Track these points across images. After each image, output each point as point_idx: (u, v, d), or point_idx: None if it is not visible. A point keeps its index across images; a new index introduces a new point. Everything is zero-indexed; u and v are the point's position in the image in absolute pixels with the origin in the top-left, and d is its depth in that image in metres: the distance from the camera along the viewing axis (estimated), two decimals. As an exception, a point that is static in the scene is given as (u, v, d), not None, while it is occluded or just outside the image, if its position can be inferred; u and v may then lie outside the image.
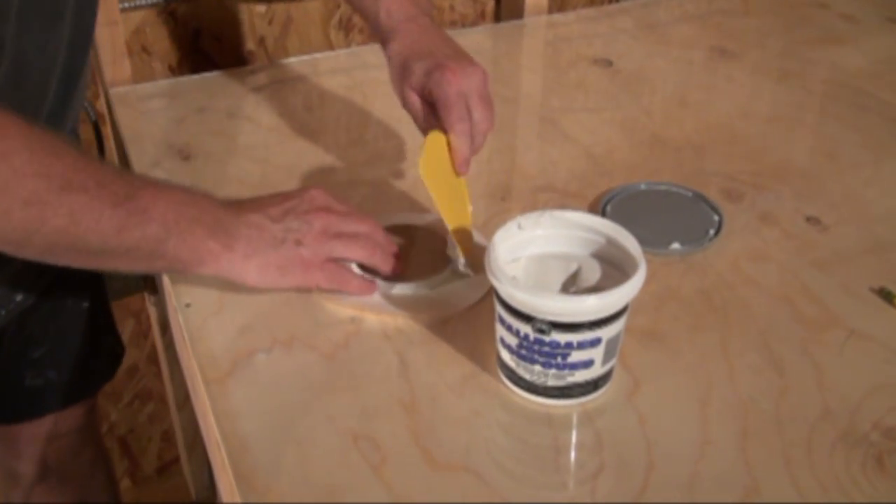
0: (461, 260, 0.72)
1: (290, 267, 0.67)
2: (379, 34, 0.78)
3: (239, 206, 0.68)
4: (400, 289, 0.71)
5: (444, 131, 0.71)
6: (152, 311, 1.18)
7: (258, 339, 0.67)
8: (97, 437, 1.07)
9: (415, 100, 0.73)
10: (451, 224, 0.71)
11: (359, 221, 0.71)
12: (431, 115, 0.73)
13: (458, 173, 0.72)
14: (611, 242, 0.64)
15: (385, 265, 0.71)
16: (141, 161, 0.90)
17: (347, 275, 0.70)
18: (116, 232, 0.60)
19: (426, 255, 0.75)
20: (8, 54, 0.66)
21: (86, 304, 0.94)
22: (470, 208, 0.74)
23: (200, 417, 0.68)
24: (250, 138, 0.94)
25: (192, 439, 1.25)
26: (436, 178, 0.71)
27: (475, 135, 0.71)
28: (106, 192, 0.60)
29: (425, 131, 0.73)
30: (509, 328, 0.60)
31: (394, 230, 0.77)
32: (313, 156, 0.91)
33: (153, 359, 1.29)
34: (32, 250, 0.60)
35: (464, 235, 0.73)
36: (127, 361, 1.28)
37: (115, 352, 1.03)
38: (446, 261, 0.74)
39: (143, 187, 0.62)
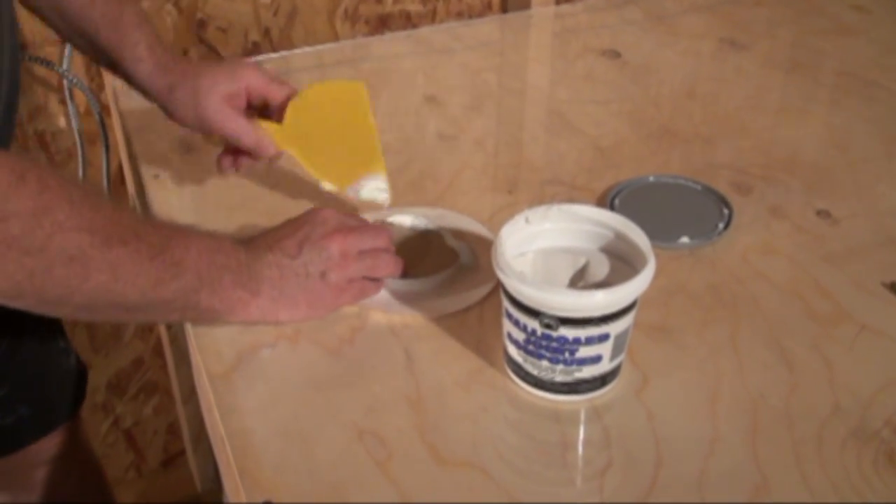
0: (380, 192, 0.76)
1: (320, 300, 0.66)
2: (139, 81, 0.79)
3: (256, 247, 0.66)
4: (406, 285, 0.71)
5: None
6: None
7: (263, 333, 0.67)
8: (85, 458, 1.03)
9: (236, 115, 0.76)
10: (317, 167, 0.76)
11: (373, 235, 0.70)
12: (248, 122, 0.76)
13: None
14: (619, 237, 0.63)
15: (398, 273, 0.71)
16: (146, 153, 0.90)
17: (369, 286, 0.69)
18: (154, 286, 0.58)
19: (431, 253, 0.75)
20: None
21: (42, 331, 0.89)
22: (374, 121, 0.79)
23: (205, 412, 0.67)
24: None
25: (197, 432, 1.25)
26: (306, 136, 0.76)
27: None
28: (144, 244, 0.58)
29: (258, 144, 0.77)
30: (516, 323, 0.59)
31: (397, 227, 0.77)
32: None
33: (158, 352, 1.29)
34: (69, 308, 0.57)
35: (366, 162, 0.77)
36: (133, 354, 1.28)
37: (80, 371, 0.97)
38: (452, 257, 0.74)
39: (174, 237, 0.61)
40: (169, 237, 0.60)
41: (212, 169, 0.87)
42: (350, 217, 0.71)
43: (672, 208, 0.81)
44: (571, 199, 0.80)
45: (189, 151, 0.90)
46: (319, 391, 0.62)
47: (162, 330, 1.17)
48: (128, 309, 0.59)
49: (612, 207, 0.80)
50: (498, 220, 0.68)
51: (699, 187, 0.83)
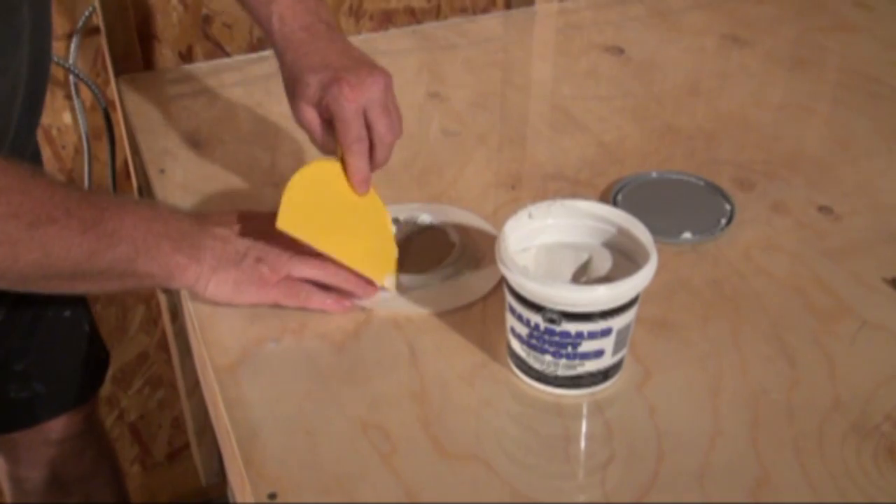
0: (389, 280, 0.71)
1: (245, 284, 0.67)
2: (272, 44, 0.73)
3: (205, 219, 0.68)
4: (409, 280, 0.71)
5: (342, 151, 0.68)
6: (162, 299, 1.18)
7: (268, 327, 0.67)
8: (99, 437, 1.05)
9: (311, 116, 0.69)
10: (352, 259, 0.68)
11: None
12: (329, 132, 0.69)
13: (357, 192, 0.69)
14: (622, 232, 0.63)
15: (351, 286, 0.68)
16: (151, 148, 0.90)
17: (306, 290, 0.67)
18: (88, 257, 0.60)
19: (435, 248, 0.75)
20: None
21: (67, 314, 0.92)
22: (389, 221, 0.72)
23: (210, 405, 0.68)
24: (260, 125, 0.94)
25: (202, 426, 1.26)
26: (315, 219, 0.67)
27: (380, 148, 0.68)
28: (75, 220, 0.60)
29: (324, 148, 0.71)
30: (520, 318, 0.60)
31: (401, 223, 0.77)
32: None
33: (163, 346, 1.29)
34: (6, 283, 0.60)
35: (381, 257, 0.71)
36: (137, 348, 1.29)
37: (101, 358, 1.01)
38: (454, 253, 0.74)
39: (109, 208, 0.62)
40: (104, 209, 0.62)
41: (217, 164, 0.87)
42: None
43: (675, 204, 0.81)
44: (574, 195, 0.80)
45: (195, 147, 0.90)
46: (324, 385, 0.62)
47: (167, 324, 1.18)
48: (63, 279, 0.61)
49: (615, 203, 0.80)
50: (501, 215, 0.68)
51: (702, 183, 0.83)
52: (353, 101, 0.66)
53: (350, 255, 0.68)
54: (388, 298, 0.70)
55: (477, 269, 0.72)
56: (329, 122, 0.69)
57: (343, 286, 0.68)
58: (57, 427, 0.96)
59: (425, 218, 0.78)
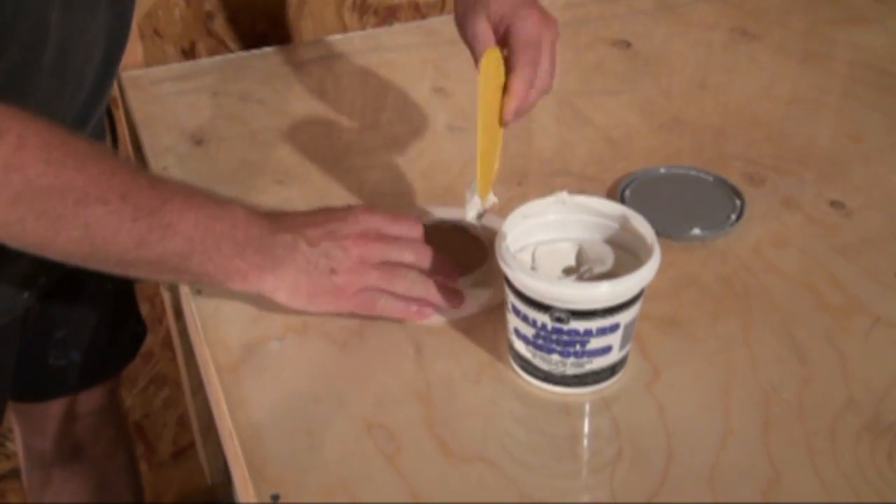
0: (475, 206, 0.68)
1: (320, 294, 0.65)
2: None
3: (276, 222, 0.66)
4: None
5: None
6: (166, 296, 1.17)
7: (271, 326, 0.66)
8: (119, 418, 1.09)
9: (486, 30, 0.69)
10: (481, 160, 0.67)
11: (407, 250, 0.67)
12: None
13: (502, 121, 0.68)
14: (624, 227, 0.63)
15: (434, 297, 0.67)
16: (153, 146, 0.90)
17: (383, 300, 0.66)
18: (136, 246, 0.59)
19: (455, 250, 0.74)
20: (53, 40, 0.66)
21: (109, 286, 0.95)
22: (496, 165, 0.70)
23: (213, 405, 0.67)
24: (263, 122, 0.94)
25: (206, 424, 1.25)
26: (484, 96, 0.67)
27: (536, 86, 0.68)
28: (129, 205, 0.59)
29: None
30: (525, 318, 0.59)
31: (449, 225, 0.76)
32: (326, 140, 0.91)
33: (168, 344, 1.29)
34: (52, 255, 0.60)
35: (486, 177, 0.68)
36: (142, 347, 1.28)
37: (137, 332, 1.04)
38: (476, 259, 0.72)
39: (172, 199, 0.61)
40: (166, 200, 0.61)
41: (221, 162, 0.87)
42: (394, 222, 0.68)
43: (684, 200, 0.80)
44: (581, 191, 0.79)
45: (198, 144, 0.90)
46: (328, 384, 0.62)
47: (171, 322, 1.17)
48: (110, 264, 0.61)
49: (622, 199, 0.80)
50: (507, 212, 0.67)
51: (711, 178, 0.83)
52: (541, 27, 0.68)
53: (483, 148, 0.67)
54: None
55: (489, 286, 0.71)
56: (501, 44, 0.69)
57: (426, 297, 0.67)
58: (85, 399, 0.99)
59: (451, 215, 0.76)
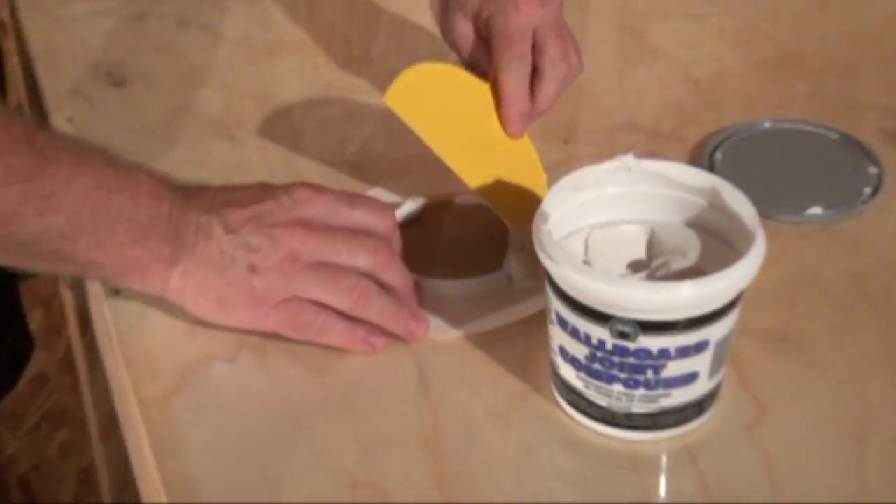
0: (517, 262, 0.71)
1: (232, 302, 0.65)
2: None
3: (191, 198, 0.66)
4: (445, 288, 0.70)
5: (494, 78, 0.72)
6: (68, 298, 1.18)
7: (217, 341, 0.66)
8: None
9: (465, 30, 0.74)
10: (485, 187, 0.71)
11: (361, 248, 0.67)
12: (484, 54, 0.73)
13: (507, 132, 0.72)
14: (714, 205, 0.62)
15: (387, 323, 0.67)
16: (56, 88, 0.90)
17: (321, 319, 0.66)
18: (3, 221, 0.60)
19: (465, 242, 0.74)
20: None
21: None
22: (544, 177, 0.73)
23: (133, 452, 0.67)
24: (209, 56, 0.94)
25: (121, 479, 1.27)
26: (438, 116, 0.71)
27: (549, 80, 0.72)
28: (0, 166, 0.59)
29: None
30: (574, 333, 0.58)
31: (451, 206, 0.77)
32: (297, 80, 0.91)
33: (68, 366, 1.30)
34: None
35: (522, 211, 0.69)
36: (32, 369, 1.29)
37: (21, 348, 1.04)
38: (499, 252, 0.73)
39: (58, 160, 0.61)
40: (49, 161, 0.61)
41: (148, 110, 0.87)
42: (351, 206, 0.68)
43: (797, 167, 0.81)
44: (654, 153, 0.79)
45: (117, 86, 0.90)
46: (297, 424, 0.62)
47: (74, 335, 1.18)
48: None
49: (711, 165, 0.80)
50: (550, 179, 0.69)
51: (836, 136, 0.83)
52: (524, 15, 0.71)
53: (481, 180, 0.71)
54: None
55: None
56: (486, 45, 0.73)
57: (380, 322, 0.66)
58: None
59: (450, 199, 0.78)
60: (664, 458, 0.60)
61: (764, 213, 0.61)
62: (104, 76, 0.91)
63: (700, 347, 0.57)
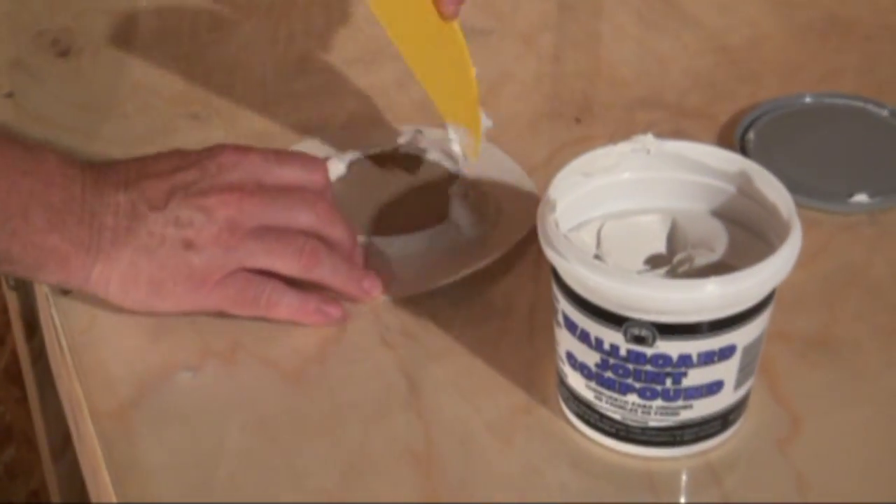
0: (457, 144, 0.73)
1: (169, 284, 0.66)
2: None
3: (103, 176, 0.67)
4: (387, 245, 0.72)
5: None
6: (12, 299, 1.18)
7: (180, 348, 0.67)
8: None
9: None
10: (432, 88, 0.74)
11: (303, 205, 0.69)
12: None
13: (442, 15, 0.70)
14: (745, 192, 0.63)
15: (341, 283, 0.69)
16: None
17: (269, 290, 0.67)
18: None
19: (403, 198, 0.76)
20: None
21: None
22: (473, 70, 0.72)
23: (87, 473, 0.68)
24: (170, 20, 0.95)
25: (76, 501, 1.27)
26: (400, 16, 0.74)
27: None
28: None
29: None
30: (584, 337, 0.59)
31: (390, 160, 0.78)
32: (268, 48, 0.92)
33: (13, 377, 1.30)
34: None
35: (459, 108, 0.73)
36: (-29, 381, 1.30)
37: None
38: (441, 204, 0.75)
39: None
40: None
41: (98, 82, 0.88)
42: (279, 163, 0.70)
43: (842, 148, 0.81)
44: (678, 132, 0.80)
45: (63, 55, 0.91)
46: (270, 441, 0.62)
47: (19, 341, 1.18)
48: None
49: (742, 146, 0.80)
50: (558, 163, 0.67)
51: (886, 113, 0.83)
52: None
53: (430, 80, 0.75)
54: None
55: (477, 229, 0.74)
56: None
57: (333, 283, 0.68)
58: None
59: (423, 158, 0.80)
60: (684, 478, 0.60)
61: (801, 202, 0.61)
62: (48, 45, 0.91)
63: (725, 353, 0.58)
